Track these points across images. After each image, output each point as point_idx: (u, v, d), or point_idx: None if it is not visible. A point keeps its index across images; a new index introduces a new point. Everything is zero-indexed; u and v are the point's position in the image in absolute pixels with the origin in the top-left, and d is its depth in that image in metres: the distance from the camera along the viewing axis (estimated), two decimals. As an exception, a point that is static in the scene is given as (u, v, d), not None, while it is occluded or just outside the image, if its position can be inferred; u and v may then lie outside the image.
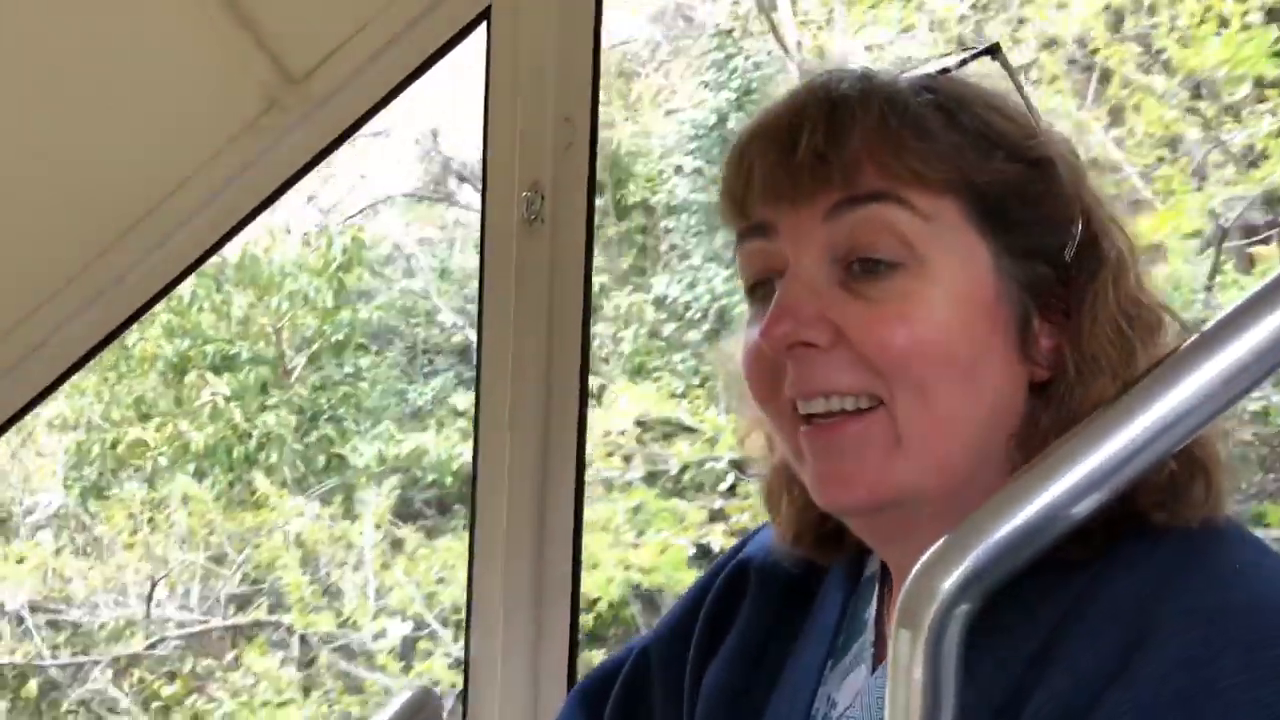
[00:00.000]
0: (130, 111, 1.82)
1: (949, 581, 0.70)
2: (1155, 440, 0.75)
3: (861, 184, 0.93)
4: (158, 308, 3.95)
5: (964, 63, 0.98)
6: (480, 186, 1.88)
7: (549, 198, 1.80)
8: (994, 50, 0.99)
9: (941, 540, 0.72)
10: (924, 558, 0.72)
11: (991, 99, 0.97)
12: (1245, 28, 5.32)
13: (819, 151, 0.93)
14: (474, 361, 1.86)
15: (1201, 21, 5.49)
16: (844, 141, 0.93)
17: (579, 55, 1.81)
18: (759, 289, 0.99)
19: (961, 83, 0.98)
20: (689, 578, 5.00)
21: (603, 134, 2.85)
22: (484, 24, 1.80)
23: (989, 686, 0.89)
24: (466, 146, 7.62)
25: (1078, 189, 0.97)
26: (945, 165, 0.93)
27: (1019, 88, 0.98)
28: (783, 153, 0.94)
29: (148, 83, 1.80)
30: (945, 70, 0.98)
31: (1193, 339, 0.76)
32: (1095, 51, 5.78)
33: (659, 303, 6.93)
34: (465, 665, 1.90)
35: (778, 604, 1.13)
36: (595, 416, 6.09)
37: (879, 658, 1.04)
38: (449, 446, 6.92)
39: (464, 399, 7.01)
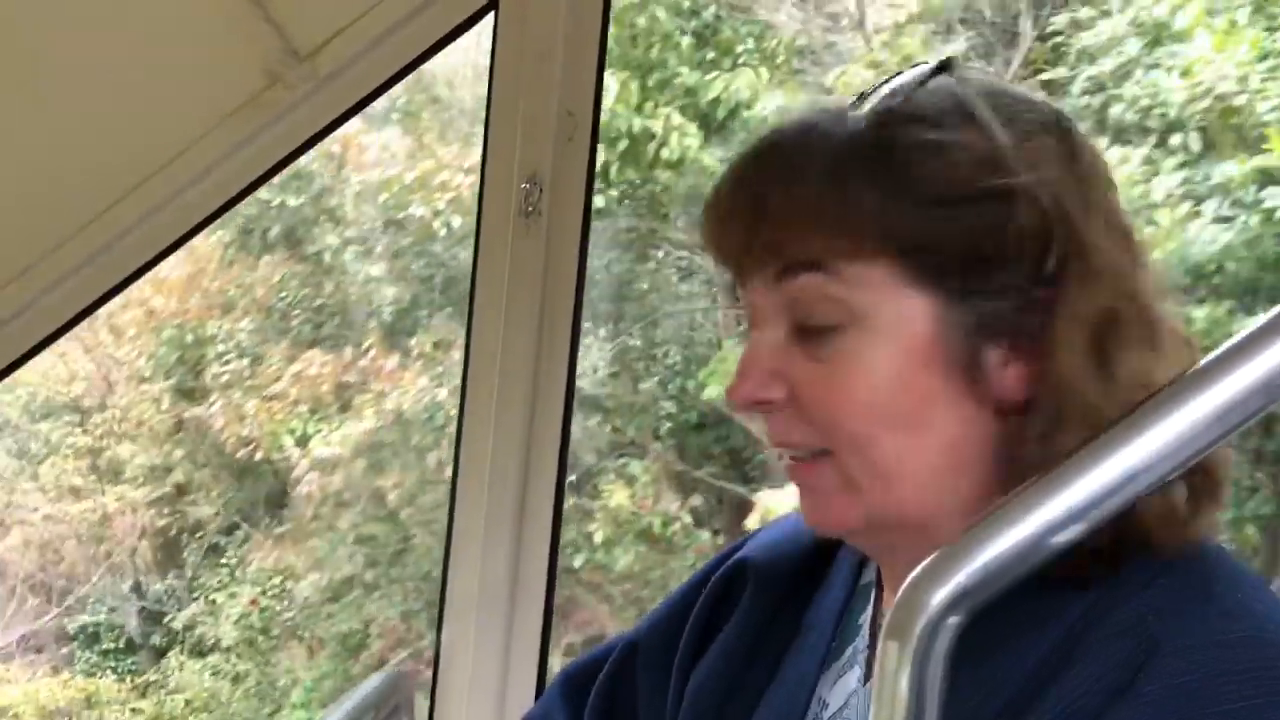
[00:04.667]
0: (130, 79, 1.80)
1: (938, 595, 0.69)
2: (1145, 472, 0.75)
3: (792, 255, 0.94)
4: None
5: (921, 84, 0.95)
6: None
7: (547, 191, 1.79)
8: (947, 66, 0.97)
9: (933, 554, 0.71)
10: (915, 571, 0.72)
11: (934, 136, 0.93)
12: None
13: (748, 228, 0.95)
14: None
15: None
16: (769, 218, 0.94)
17: (585, 48, 1.80)
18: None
19: (910, 115, 0.94)
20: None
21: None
22: (492, 11, 1.80)
23: (989, 696, 0.90)
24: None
25: (1058, 204, 0.93)
26: (873, 229, 0.92)
27: (972, 111, 0.94)
28: (721, 223, 0.98)
29: (150, 50, 1.79)
30: (896, 95, 0.95)
31: (1188, 372, 0.76)
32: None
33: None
34: (436, 653, 1.89)
35: (774, 604, 1.13)
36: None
37: (871, 663, 1.05)
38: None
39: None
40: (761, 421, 1.00)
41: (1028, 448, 0.92)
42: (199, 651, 9.33)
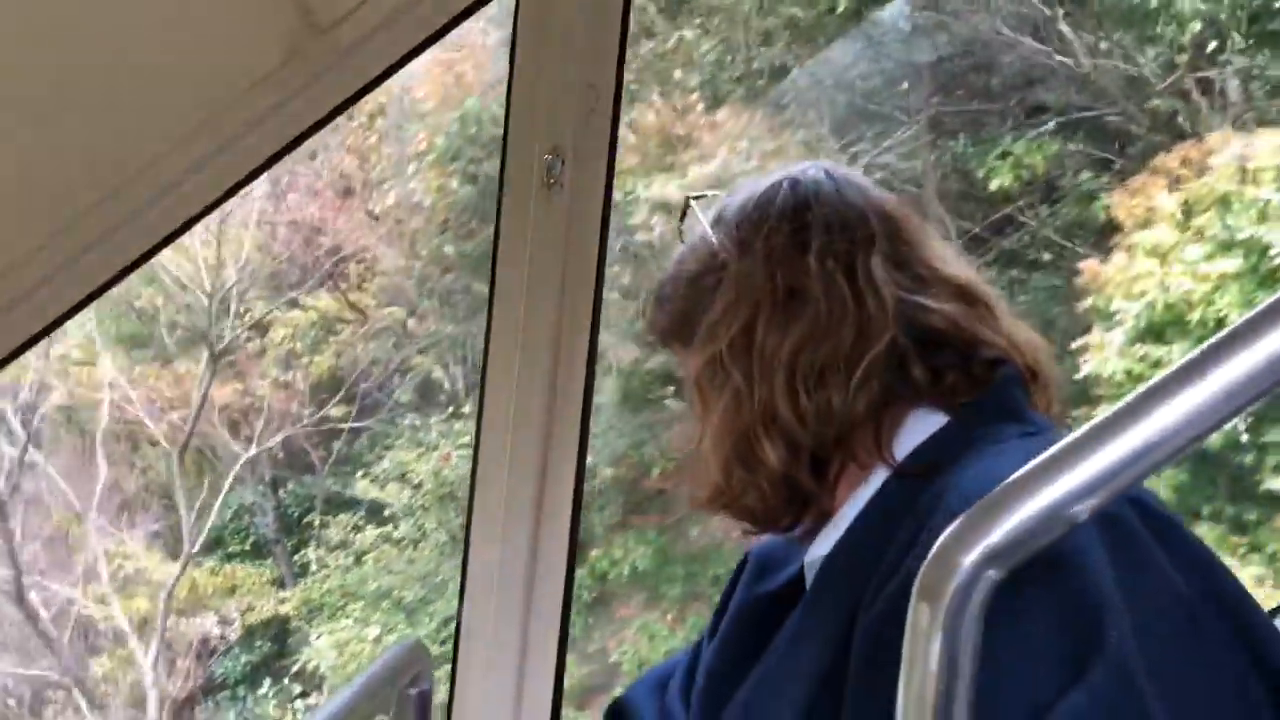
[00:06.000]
0: (148, 53, 1.79)
1: (970, 556, 0.69)
2: (1165, 441, 0.75)
3: None
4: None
5: (679, 230, 1.38)
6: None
7: (569, 163, 1.79)
8: (686, 206, 1.37)
9: (960, 518, 0.72)
10: (945, 534, 0.72)
11: (683, 253, 1.35)
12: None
13: None
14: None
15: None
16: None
17: (607, 21, 1.79)
18: None
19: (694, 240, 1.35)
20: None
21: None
22: (514, -16, 1.79)
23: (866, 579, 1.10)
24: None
25: (746, 279, 1.27)
26: (670, 326, 1.36)
27: (705, 229, 1.33)
28: None
29: (171, 25, 1.78)
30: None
31: (1204, 347, 0.76)
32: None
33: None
34: (456, 628, 1.89)
35: (767, 582, 1.34)
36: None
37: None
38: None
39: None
40: None
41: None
42: (386, 518, 9.36)
